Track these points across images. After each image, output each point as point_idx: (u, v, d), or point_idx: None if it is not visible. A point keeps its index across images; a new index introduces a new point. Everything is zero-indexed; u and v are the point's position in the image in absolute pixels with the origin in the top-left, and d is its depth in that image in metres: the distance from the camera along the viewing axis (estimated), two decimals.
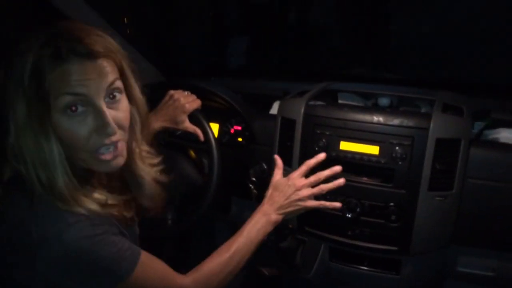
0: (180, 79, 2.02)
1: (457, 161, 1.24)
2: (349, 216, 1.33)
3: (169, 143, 1.63)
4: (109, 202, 0.84)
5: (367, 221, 1.33)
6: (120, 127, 0.82)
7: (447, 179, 1.24)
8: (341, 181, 1.15)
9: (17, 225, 0.76)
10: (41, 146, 0.75)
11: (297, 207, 1.13)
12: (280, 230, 1.41)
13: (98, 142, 0.79)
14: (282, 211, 1.13)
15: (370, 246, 1.36)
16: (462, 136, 1.24)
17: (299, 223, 1.44)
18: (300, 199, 1.13)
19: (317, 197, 1.17)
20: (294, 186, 1.14)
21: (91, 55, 0.76)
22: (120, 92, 0.82)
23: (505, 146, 1.30)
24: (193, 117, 1.37)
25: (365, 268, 1.45)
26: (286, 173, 1.41)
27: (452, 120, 1.26)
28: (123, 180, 0.97)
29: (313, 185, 1.15)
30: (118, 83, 0.82)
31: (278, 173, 1.20)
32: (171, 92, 1.37)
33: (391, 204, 1.29)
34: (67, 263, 0.75)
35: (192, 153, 1.53)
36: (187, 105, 1.34)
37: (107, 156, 0.81)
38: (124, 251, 0.81)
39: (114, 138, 0.80)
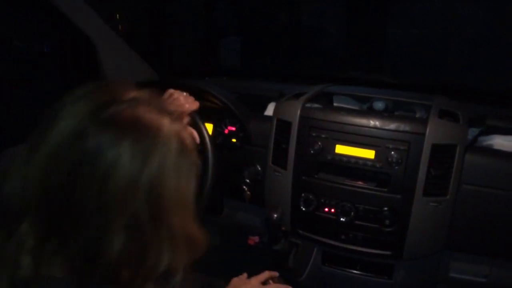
0: (174, 78, 2.00)
1: (452, 167, 1.24)
2: (343, 220, 1.33)
3: None
4: None
5: (361, 225, 1.33)
6: None
7: (442, 185, 1.25)
8: None
9: None
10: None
11: None
12: (274, 233, 1.41)
13: None
14: None
15: (364, 250, 1.35)
16: (457, 142, 1.24)
17: (292, 226, 1.43)
18: None
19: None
20: None
21: None
22: None
23: (500, 153, 1.31)
24: (190, 118, 1.35)
25: (358, 272, 1.45)
26: (280, 177, 1.41)
27: (448, 126, 1.26)
28: None
29: None
30: None
31: (254, 279, 1.20)
32: (171, 90, 1.35)
33: (386, 208, 1.29)
34: None
35: None
36: (186, 105, 1.33)
37: None
38: None
39: None
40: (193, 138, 0.69)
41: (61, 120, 0.59)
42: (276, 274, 1.23)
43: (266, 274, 1.21)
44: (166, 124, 0.63)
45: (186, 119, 1.32)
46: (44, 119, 0.61)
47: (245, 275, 1.22)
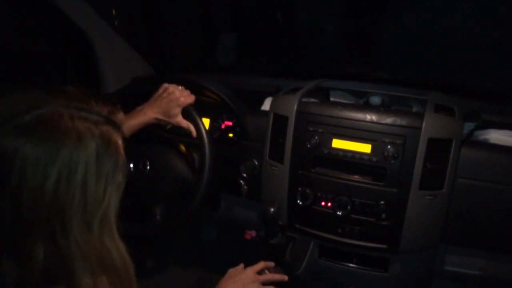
0: (171, 73, 2.00)
1: (448, 161, 1.25)
2: (340, 214, 1.34)
3: (159, 137, 1.61)
4: None
5: (357, 219, 1.34)
6: None
7: (438, 179, 1.25)
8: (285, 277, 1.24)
9: None
10: None
11: None
12: (270, 227, 1.41)
13: None
14: None
15: (360, 244, 1.36)
16: (453, 136, 1.25)
17: (289, 220, 1.44)
18: None
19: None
20: (247, 279, 1.18)
21: None
22: None
23: (495, 147, 1.32)
24: (186, 112, 1.35)
25: (354, 265, 1.46)
26: (277, 171, 1.41)
27: (444, 120, 1.27)
28: None
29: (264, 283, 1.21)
30: None
31: (250, 269, 1.22)
32: (166, 85, 1.35)
33: (382, 202, 1.29)
34: None
35: (183, 148, 1.52)
36: (182, 99, 1.33)
37: None
38: None
39: None
40: (123, 141, 0.66)
41: None
42: (272, 264, 1.25)
43: (261, 264, 1.23)
44: (81, 128, 0.62)
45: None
46: None
47: (241, 265, 1.23)
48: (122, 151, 0.69)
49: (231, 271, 1.21)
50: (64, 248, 0.62)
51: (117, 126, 0.68)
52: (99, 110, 0.67)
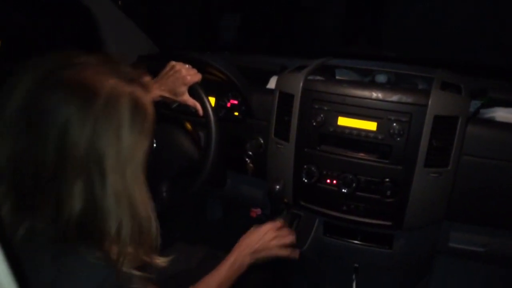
0: (177, 51, 2.00)
1: (454, 138, 1.25)
2: (345, 191, 1.35)
3: (165, 115, 1.62)
4: None
5: (362, 196, 1.34)
6: None
7: (443, 156, 1.26)
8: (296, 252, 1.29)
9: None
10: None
11: (268, 254, 1.21)
12: (276, 205, 1.42)
13: None
14: (255, 255, 1.19)
15: (365, 221, 1.37)
16: (460, 113, 1.24)
17: (294, 198, 1.45)
18: (271, 248, 1.21)
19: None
20: (268, 235, 1.22)
21: None
22: None
23: (501, 125, 1.31)
24: (193, 90, 1.35)
25: (359, 242, 1.48)
26: (283, 149, 1.42)
27: (451, 98, 1.27)
28: None
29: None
30: None
31: (267, 225, 1.26)
32: (173, 63, 1.35)
33: (387, 179, 1.30)
34: None
35: (189, 126, 1.52)
36: (188, 77, 1.33)
37: None
38: None
39: None
40: (152, 102, 0.73)
41: (14, 89, 0.66)
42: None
43: (280, 223, 1.28)
44: (114, 85, 0.68)
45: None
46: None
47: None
48: (150, 108, 0.75)
49: (255, 228, 1.25)
50: (99, 198, 0.67)
51: (145, 87, 0.75)
52: (130, 71, 0.74)
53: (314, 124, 1.35)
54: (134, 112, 0.70)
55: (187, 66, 1.37)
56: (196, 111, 1.36)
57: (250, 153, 1.54)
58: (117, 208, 0.69)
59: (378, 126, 1.29)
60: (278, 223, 1.28)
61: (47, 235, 0.67)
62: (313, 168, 1.38)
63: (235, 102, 1.59)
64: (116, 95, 0.68)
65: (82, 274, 0.66)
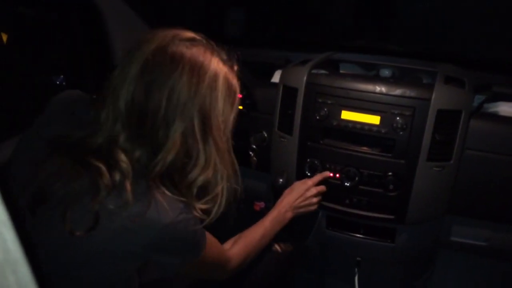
0: None
1: (457, 132, 1.25)
2: (348, 184, 1.35)
3: None
4: None
5: (365, 190, 1.35)
6: None
7: (446, 150, 1.26)
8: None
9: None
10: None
11: (308, 210, 1.33)
12: (279, 198, 1.43)
13: None
14: (296, 210, 1.30)
15: (367, 214, 1.38)
16: (463, 107, 1.25)
17: None
18: (310, 204, 1.32)
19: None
20: (309, 192, 1.32)
21: None
22: None
23: (505, 119, 1.32)
24: None
25: (361, 236, 1.48)
26: (286, 142, 1.42)
27: (454, 92, 1.27)
28: None
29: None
30: None
31: (308, 181, 1.34)
32: None
33: (390, 173, 1.31)
34: (163, 242, 0.82)
35: None
36: None
37: None
38: (201, 231, 0.89)
39: None
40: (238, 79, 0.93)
41: (133, 57, 0.81)
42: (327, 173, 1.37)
43: (319, 177, 1.36)
44: (216, 63, 0.84)
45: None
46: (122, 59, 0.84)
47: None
48: (236, 86, 0.91)
49: (296, 184, 1.34)
50: (194, 147, 0.82)
51: (235, 69, 0.91)
52: (225, 54, 0.89)
53: (318, 117, 1.36)
54: (227, 87, 0.85)
55: None
56: None
57: (254, 146, 1.55)
58: (206, 160, 0.84)
59: (381, 120, 1.30)
60: (316, 179, 1.34)
61: (144, 169, 0.80)
62: (316, 162, 1.38)
63: (240, 95, 1.59)
64: (217, 72, 0.83)
65: (166, 205, 0.78)
